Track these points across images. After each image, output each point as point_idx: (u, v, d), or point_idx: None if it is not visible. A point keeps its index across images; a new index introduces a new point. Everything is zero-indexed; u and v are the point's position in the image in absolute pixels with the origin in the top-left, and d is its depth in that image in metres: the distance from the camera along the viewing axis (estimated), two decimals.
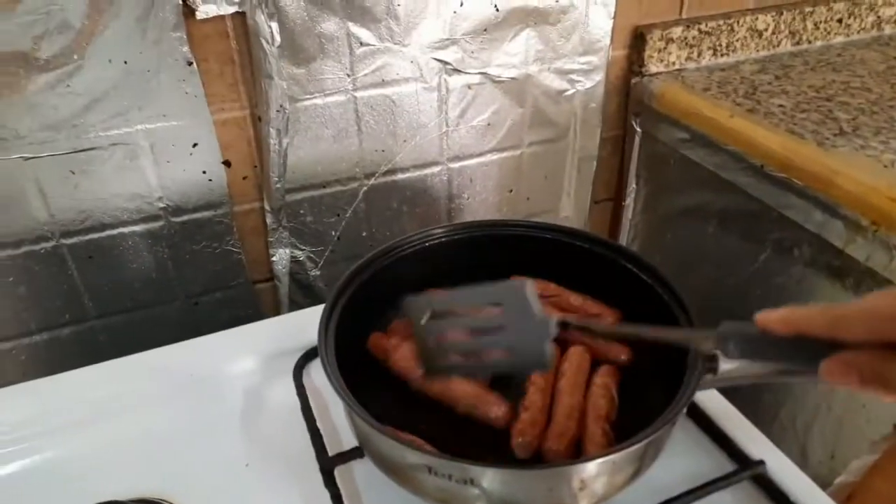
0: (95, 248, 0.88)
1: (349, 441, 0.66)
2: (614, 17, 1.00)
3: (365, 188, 0.99)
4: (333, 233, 1.01)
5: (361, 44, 0.88)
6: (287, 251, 1.00)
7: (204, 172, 0.89)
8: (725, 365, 0.59)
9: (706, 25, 1.07)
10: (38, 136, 0.79)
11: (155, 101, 0.82)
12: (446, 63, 0.94)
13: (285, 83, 0.86)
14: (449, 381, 0.66)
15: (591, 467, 0.54)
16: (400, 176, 1.00)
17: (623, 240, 1.20)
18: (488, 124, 1.02)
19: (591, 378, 0.68)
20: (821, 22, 1.14)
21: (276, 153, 0.90)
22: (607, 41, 1.02)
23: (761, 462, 0.64)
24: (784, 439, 0.90)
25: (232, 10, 0.80)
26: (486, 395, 0.66)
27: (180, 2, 0.77)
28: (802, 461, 0.87)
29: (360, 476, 0.66)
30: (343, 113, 0.92)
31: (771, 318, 0.43)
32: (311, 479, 0.64)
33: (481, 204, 1.09)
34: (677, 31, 1.05)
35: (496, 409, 0.64)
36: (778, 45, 1.14)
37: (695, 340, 0.53)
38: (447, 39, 0.92)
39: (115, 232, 0.88)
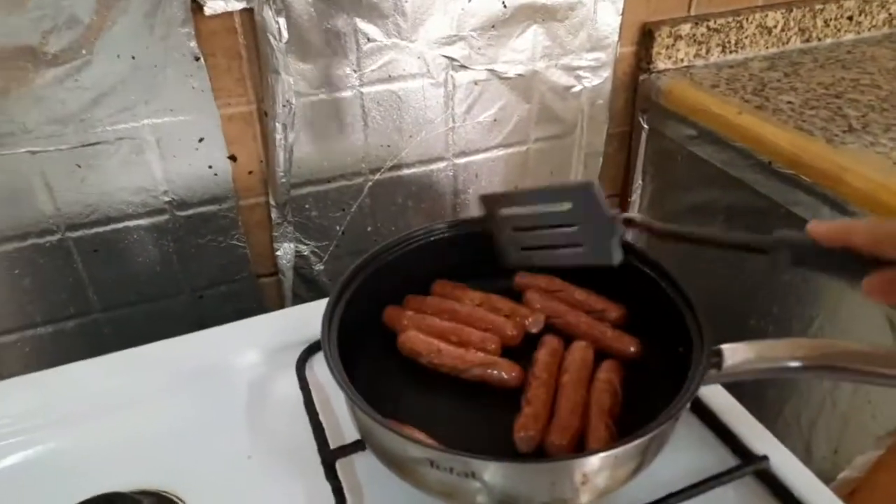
0: (101, 242, 0.88)
1: (351, 434, 0.66)
2: (622, 14, 1.00)
3: (370, 183, 0.99)
4: (338, 228, 1.01)
5: (368, 40, 0.88)
6: (292, 246, 1.00)
7: (210, 167, 0.89)
8: (729, 361, 0.59)
9: (715, 22, 1.06)
10: (46, 130, 0.79)
11: (162, 95, 0.82)
12: (453, 59, 0.94)
13: (292, 78, 0.86)
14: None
15: (593, 461, 0.54)
16: (405, 171, 1.00)
17: (628, 236, 1.19)
18: (494, 120, 1.01)
19: (595, 373, 0.67)
20: (831, 19, 1.14)
21: (282, 148, 0.90)
22: (615, 38, 1.01)
23: (764, 457, 0.64)
24: (788, 435, 0.89)
25: (240, 6, 0.81)
26: (499, 360, 0.68)
27: None
28: (806, 457, 0.86)
29: (362, 469, 0.66)
30: (349, 108, 0.92)
31: (820, 229, 0.45)
32: (313, 471, 0.64)
33: None
34: (686, 28, 1.05)
35: (508, 371, 0.67)
36: (787, 43, 1.13)
37: (753, 244, 0.52)
38: (454, 36, 0.92)
39: (120, 225, 0.88)
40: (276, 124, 0.88)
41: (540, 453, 0.61)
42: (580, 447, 0.61)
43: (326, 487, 0.62)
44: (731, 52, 1.10)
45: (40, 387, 0.78)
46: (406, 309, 0.76)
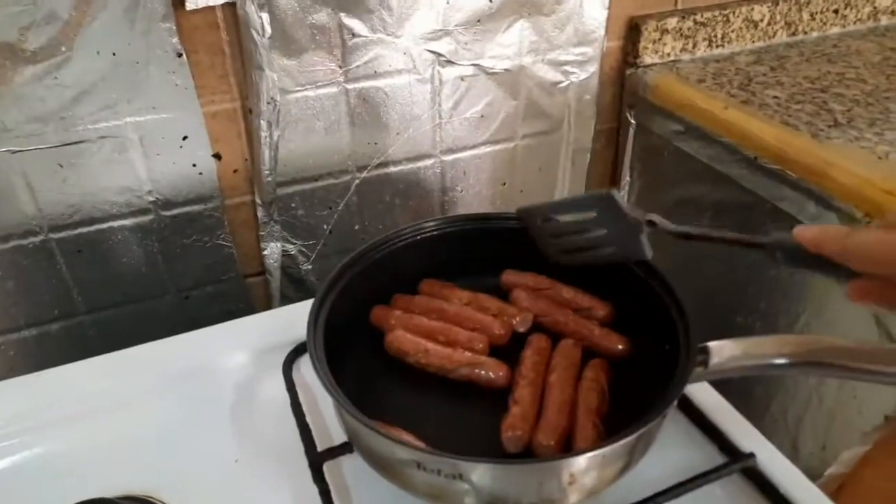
0: (84, 243, 0.87)
1: (339, 436, 0.65)
2: (609, 8, 0.99)
3: (357, 181, 0.99)
4: (325, 226, 1.00)
5: (353, 35, 0.87)
6: (278, 245, 0.99)
7: (194, 165, 0.88)
8: (716, 359, 0.59)
9: (701, 16, 1.06)
10: (26, 129, 0.78)
11: (144, 93, 0.81)
12: (439, 54, 0.93)
13: (276, 75, 0.85)
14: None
15: (580, 461, 0.54)
16: (393, 169, 1.00)
17: None
18: (482, 116, 1.01)
19: (582, 372, 0.67)
20: (817, 13, 1.14)
21: (268, 146, 0.89)
22: (602, 32, 1.01)
23: (751, 455, 0.64)
24: (775, 432, 0.90)
25: (222, 0, 0.79)
26: (486, 359, 0.68)
27: None
28: (794, 453, 0.87)
29: (349, 471, 0.65)
30: (335, 105, 0.91)
31: (803, 234, 0.49)
32: (301, 474, 0.64)
33: (475, 197, 1.08)
34: (672, 22, 1.04)
35: (496, 370, 0.67)
36: (773, 36, 1.13)
37: (755, 242, 0.57)
38: (440, 31, 0.91)
39: (104, 226, 0.87)
40: (261, 122, 0.87)
41: (528, 453, 0.61)
42: (568, 447, 0.61)
43: (314, 490, 0.62)
44: (717, 46, 1.10)
45: (25, 390, 0.77)
46: (393, 308, 0.76)
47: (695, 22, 1.06)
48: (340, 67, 0.89)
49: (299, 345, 0.79)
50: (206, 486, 0.66)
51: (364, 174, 0.98)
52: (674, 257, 1.07)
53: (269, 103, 0.86)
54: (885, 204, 0.73)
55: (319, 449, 0.66)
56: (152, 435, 0.72)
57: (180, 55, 0.80)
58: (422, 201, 1.05)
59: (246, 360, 0.80)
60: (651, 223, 0.65)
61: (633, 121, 1.09)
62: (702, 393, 0.71)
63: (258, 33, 0.81)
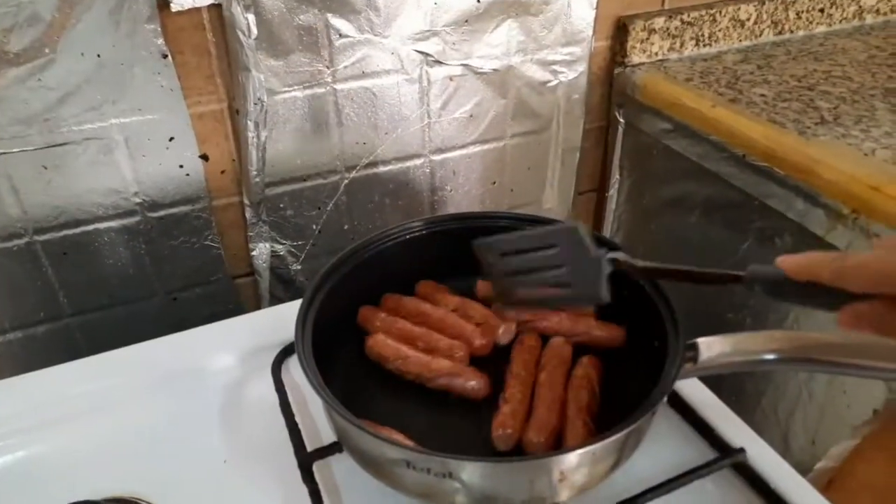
0: (70, 245, 0.86)
1: (328, 436, 0.65)
2: (597, 8, 1.00)
3: (346, 181, 0.98)
4: (314, 226, 1.00)
5: (341, 35, 0.87)
6: (267, 245, 0.98)
7: (181, 167, 0.88)
8: (705, 355, 0.59)
9: (688, 16, 1.06)
10: (9, 131, 0.77)
11: (129, 94, 0.80)
12: (427, 55, 0.93)
13: (263, 76, 0.85)
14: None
15: (571, 458, 0.54)
16: (382, 168, 0.99)
17: (607, 231, 1.20)
18: (470, 116, 1.01)
19: (572, 369, 0.67)
20: (803, 11, 1.14)
21: (255, 147, 0.89)
22: (590, 32, 1.01)
23: (741, 450, 0.64)
24: (766, 427, 0.90)
25: (208, 1, 0.79)
26: (465, 370, 0.67)
27: None
28: (784, 448, 0.87)
29: (339, 471, 0.65)
30: (323, 105, 0.91)
31: (788, 263, 0.47)
32: (290, 474, 0.63)
33: (464, 196, 1.08)
34: (660, 22, 1.05)
35: (474, 381, 0.66)
36: (760, 35, 1.14)
37: (728, 279, 0.55)
38: (428, 31, 0.91)
39: (90, 228, 0.86)
40: (248, 122, 0.87)
41: (518, 451, 0.61)
42: (558, 444, 0.61)
43: (303, 490, 0.62)
44: (704, 45, 1.10)
45: (10, 393, 0.76)
46: (381, 310, 0.75)
47: (682, 21, 1.06)
48: (328, 68, 0.88)
49: (288, 345, 0.78)
50: (195, 487, 0.65)
51: (353, 174, 0.98)
52: (660, 253, 1.08)
53: (256, 104, 0.86)
54: (871, 200, 0.73)
55: (309, 449, 0.65)
56: (140, 437, 0.71)
57: (166, 56, 0.80)
58: (411, 201, 1.04)
59: (234, 360, 0.80)
60: (615, 261, 0.62)
61: (621, 120, 1.09)
62: (692, 389, 0.71)
63: (244, 34, 0.81)
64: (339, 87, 0.90)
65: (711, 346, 0.60)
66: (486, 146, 1.05)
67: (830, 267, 0.44)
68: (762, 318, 0.90)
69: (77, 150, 0.81)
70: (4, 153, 0.78)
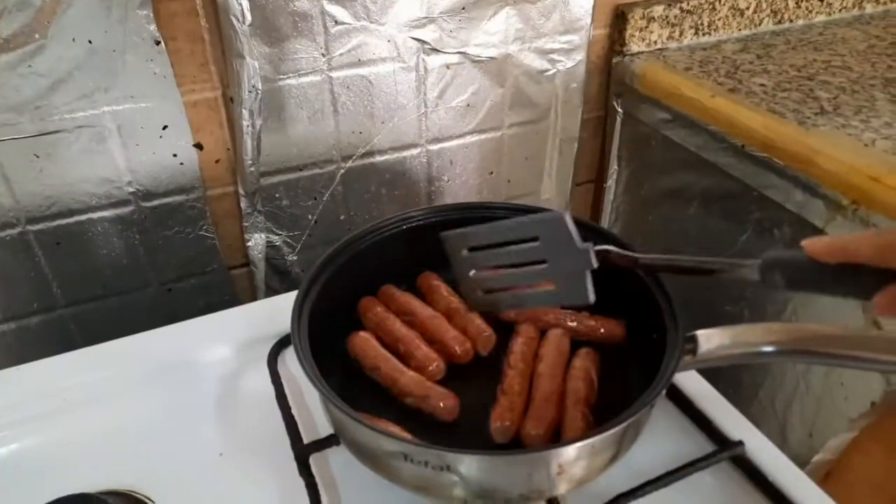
0: (63, 235, 0.85)
1: (325, 428, 0.65)
2: None
3: (342, 171, 0.97)
4: (310, 217, 0.99)
5: (336, 22, 0.86)
6: (263, 236, 0.98)
7: (175, 155, 0.87)
8: (704, 347, 0.59)
9: (688, 4, 1.05)
10: (0, 119, 0.76)
11: (122, 81, 0.79)
12: (424, 42, 0.92)
13: (257, 63, 0.83)
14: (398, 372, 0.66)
15: (569, 451, 0.53)
16: (378, 158, 0.98)
17: (605, 221, 1.19)
18: (468, 105, 1.00)
19: (571, 362, 0.67)
20: (802, 0, 1.14)
21: (250, 135, 0.88)
22: (588, 20, 1.00)
23: (740, 443, 0.64)
24: (764, 419, 0.90)
25: None
26: (433, 389, 0.64)
27: None
28: (782, 440, 0.87)
29: (336, 464, 0.65)
30: (318, 94, 0.90)
31: (817, 245, 0.43)
32: (287, 467, 0.63)
33: (461, 186, 1.07)
34: (659, 10, 1.04)
35: (442, 403, 0.63)
36: (759, 24, 1.13)
37: (738, 270, 0.50)
38: (424, 18, 0.90)
39: (83, 217, 0.85)
40: (243, 111, 0.86)
41: (516, 443, 0.61)
42: (556, 436, 0.60)
43: (300, 483, 0.61)
44: (703, 34, 1.09)
45: (4, 385, 0.76)
46: (377, 302, 0.75)
47: (681, 10, 1.05)
48: (323, 55, 0.87)
49: (284, 337, 0.78)
50: (190, 480, 0.65)
51: (349, 164, 0.97)
52: (658, 243, 1.08)
53: (250, 92, 0.85)
54: (871, 191, 0.73)
55: (305, 441, 0.65)
56: (135, 429, 0.71)
57: (158, 43, 0.79)
58: (408, 191, 1.03)
59: (230, 352, 0.79)
60: (606, 253, 0.56)
61: (620, 109, 1.09)
62: (690, 381, 0.71)
63: (238, 20, 0.80)
64: (334, 74, 0.89)
65: (710, 339, 0.59)
66: (483, 136, 1.04)
67: (873, 243, 0.40)
68: (760, 310, 0.90)
69: (69, 138, 0.80)
70: None
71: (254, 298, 1.02)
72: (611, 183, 1.15)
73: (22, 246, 0.84)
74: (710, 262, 0.54)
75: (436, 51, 0.93)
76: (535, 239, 0.58)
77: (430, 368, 0.67)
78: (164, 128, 0.84)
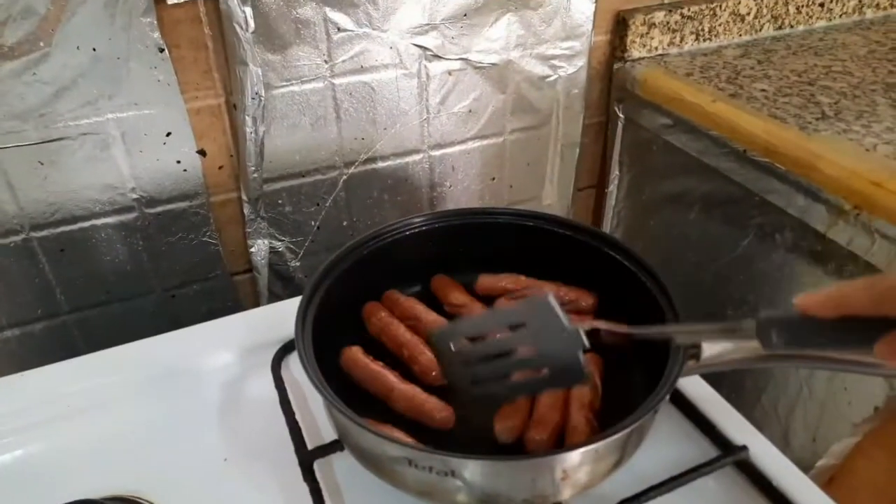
0: (67, 241, 0.86)
1: (329, 434, 0.65)
2: (596, 2, 0.99)
3: (345, 177, 0.98)
4: (313, 223, 0.99)
5: (339, 29, 0.86)
6: (266, 242, 0.98)
7: (178, 162, 0.87)
8: (707, 352, 0.59)
9: (688, 10, 1.06)
10: (4, 126, 0.76)
11: (126, 89, 0.80)
12: (426, 49, 0.92)
13: (260, 70, 0.84)
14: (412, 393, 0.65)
15: (573, 457, 0.54)
16: (380, 164, 0.99)
17: (606, 227, 1.20)
18: (470, 111, 1.00)
19: None
20: (803, 6, 1.14)
21: (253, 142, 0.88)
22: (589, 26, 1.01)
23: (744, 447, 0.64)
24: (766, 424, 0.90)
25: None
26: (428, 400, 0.64)
27: None
28: (785, 445, 0.87)
29: (340, 469, 0.65)
30: (321, 100, 0.90)
31: (812, 302, 0.42)
32: (291, 472, 0.63)
33: (464, 192, 1.07)
34: (659, 16, 1.04)
35: (436, 414, 0.63)
36: (760, 30, 1.13)
37: (733, 334, 0.51)
38: (426, 25, 0.91)
39: (87, 224, 0.86)
40: (246, 117, 0.86)
41: (520, 446, 0.61)
42: (560, 441, 0.60)
43: (304, 489, 0.61)
44: (704, 39, 1.10)
45: (8, 391, 0.76)
46: (381, 307, 0.75)
47: (682, 16, 1.06)
48: (326, 62, 0.88)
49: (287, 342, 0.78)
50: (194, 485, 0.65)
51: (351, 170, 0.97)
52: (660, 248, 1.08)
53: (253, 99, 0.85)
54: (873, 196, 0.73)
55: (310, 447, 0.65)
56: (139, 435, 0.71)
57: (162, 50, 0.79)
58: (410, 197, 1.04)
59: (234, 358, 0.79)
60: (595, 332, 0.57)
61: (621, 115, 1.09)
62: (694, 386, 0.71)
63: (241, 27, 0.80)
64: (337, 81, 0.90)
65: (713, 344, 0.59)
66: (485, 141, 1.04)
67: (864, 293, 0.39)
68: None
69: (73, 145, 0.80)
70: (0, 148, 0.77)
71: (257, 304, 1.02)
72: (612, 188, 1.16)
73: (26, 252, 0.84)
74: (706, 329, 0.55)
75: (438, 57, 0.94)
76: (521, 326, 0.58)
77: (434, 374, 0.67)
78: (168, 135, 0.85)
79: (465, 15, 0.92)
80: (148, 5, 0.76)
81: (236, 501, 0.64)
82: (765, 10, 1.11)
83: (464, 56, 0.95)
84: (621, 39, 1.05)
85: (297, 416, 0.69)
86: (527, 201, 1.13)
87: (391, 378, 0.66)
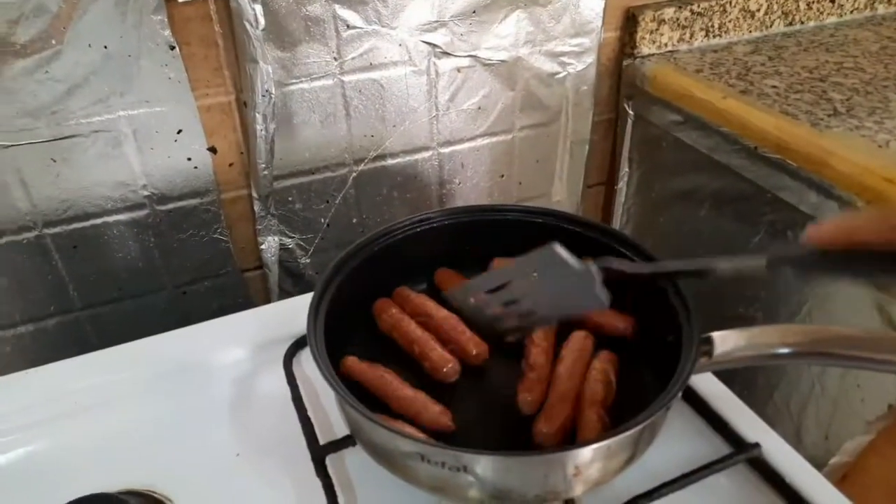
0: (80, 238, 0.86)
1: (341, 429, 0.65)
2: None
3: (354, 174, 0.98)
4: (323, 220, 0.99)
5: (348, 27, 0.86)
6: (276, 239, 0.98)
7: (189, 159, 0.87)
8: (720, 349, 0.59)
9: (698, 6, 1.05)
10: (17, 124, 0.77)
11: (137, 86, 0.80)
12: (435, 46, 0.92)
13: (271, 67, 0.84)
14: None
15: (586, 453, 0.53)
16: (390, 161, 0.99)
17: (616, 224, 1.19)
18: (479, 108, 1.00)
19: (591, 363, 0.67)
20: (813, 2, 1.13)
21: (263, 139, 0.88)
22: (599, 22, 1.00)
23: (757, 445, 0.63)
24: (778, 421, 0.89)
25: None
26: (427, 405, 0.63)
27: None
28: (797, 443, 0.87)
29: (352, 464, 0.65)
30: (331, 97, 0.90)
31: (820, 232, 0.43)
32: (303, 468, 0.63)
33: (473, 189, 1.07)
34: (669, 12, 1.04)
35: (437, 421, 0.62)
36: (771, 26, 1.13)
37: (745, 269, 0.51)
38: (436, 22, 0.90)
39: (99, 221, 0.86)
40: (256, 115, 0.86)
41: (530, 444, 0.61)
42: (569, 437, 0.60)
43: (317, 484, 0.61)
44: (714, 36, 1.09)
45: (22, 387, 0.76)
46: (392, 304, 0.75)
47: (692, 12, 1.05)
48: (335, 59, 0.88)
49: (299, 338, 0.78)
50: (207, 480, 0.65)
51: (361, 167, 0.97)
52: (670, 245, 1.08)
53: (263, 96, 0.85)
54: (885, 192, 0.72)
55: (322, 442, 0.65)
56: (151, 430, 0.71)
57: (173, 48, 0.79)
58: (420, 194, 1.04)
59: (246, 354, 0.79)
60: (606, 269, 0.58)
61: (630, 112, 1.09)
62: (706, 383, 0.71)
63: (251, 25, 0.80)
64: (346, 78, 0.90)
65: (726, 341, 0.59)
66: (494, 139, 1.04)
67: (870, 224, 0.40)
68: (774, 313, 0.89)
69: (85, 142, 0.81)
70: (13, 146, 0.78)
71: (267, 301, 1.03)
72: (622, 185, 1.15)
73: (39, 249, 0.85)
74: (716, 263, 0.54)
75: (447, 54, 0.94)
76: (532, 274, 0.60)
77: (445, 370, 0.67)
78: (179, 132, 0.85)
79: (474, 12, 0.92)
80: (158, 3, 0.76)
81: (249, 496, 0.64)
82: (775, 6, 1.11)
83: (473, 53, 0.95)
84: (631, 36, 1.05)
85: (309, 412, 0.69)
86: (536, 198, 1.13)
87: (393, 382, 0.66)
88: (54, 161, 0.80)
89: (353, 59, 0.89)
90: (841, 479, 0.83)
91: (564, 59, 1.02)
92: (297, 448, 0.65)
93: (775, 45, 1.08)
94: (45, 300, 0.89)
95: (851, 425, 0.80)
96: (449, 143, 1.01)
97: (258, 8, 0.80)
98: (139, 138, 0.83)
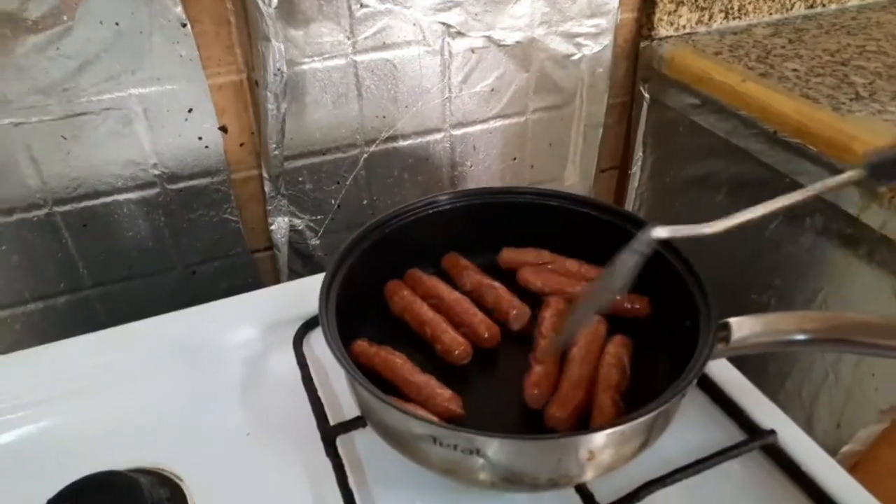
0: (90, 216, 0.86)
1: (351, 410, 0.64)
2: None
3: (366, 155, 0.97)
4: (333, 201, 0.99)
5: (362, 5, 0.85)
6: (286, 220, 0.97)
7: (200, 138, 0.87)
8: (737, 335, 0.58)
9: None
10: (28, 101, 0.76)
11: (148, 64, 0.79)
12: (449, 26, 0.91)
13: (283, 46, 0.83)
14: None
15: (599, 438, 0.53)
16: (401, 143, 0.98)
17: (629, 209, 1.18)
18: (492, 90, 0.99)
19: (605, 348, 0.66)
20: None
21: (274, 119, 0.87)
22: (616, 3, 0.98)
23: (772, 432, 0.63)
24: (790, 409, 0.87)
25: None
26: (436, 390, 0.63)
27: None
28: (808, 430, 0.86)
29: (363, 445, 0.65)
30: (343, 77, 0.89)
31: None
32: (313, 448, 0.63)
33: (485, 172, 1.06)
34: None
35: (447, 406, 0.62)
36: (791, 8, 1.10)
37: (838, 186, 0.51)
38: (450, 1, 0.89)
39: (109, 199, 0.86)
40: (268, 94, 0.85)
41: (543, 427, 0.60)
42: (582, 421, 0.60)
43: (327, 464, 0.61)
44: (734, 18, 1.07)
45: (32, 364, 0.76)
46: (404, 286, 0.74)
47: None
48: (348, 38, 0.87)
49: (310, 319, 0.78)
50: (217, 459, 0.65)
51: (372, 148, 0.96)
52: None
53: (275, 75, 0.84)
54: None
55: (332, 423, 0.65)
56: (161, 409, 0.71)
57: (184, 25, 0.78)
58: (431, 176, 1.03)
59: (256, 334, 0.79)
60: (665, 243, 0.60)
61: (646, 95, 1.07)
62: (721, 370, 0.70)
63: (264, 3, 0.79)
64: (359, 58, 0.89)
65: (743, 327, 0.58)
66: (507, 121, 1.03)
67: None
68: (788, 300, 0.88)
69: (96, 120, 0.80)
70: (24, 123, 0.77)
71: (276, 282, 1.02)
72: (636, 170, 1.14)
73: (49, 227, 0.85)
74: (802, 192, 0.54)
75: (461, 34, 0.92)
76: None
77: (457, 352, 0.67)
78: (190, 111, 0.84)
79: None
80: None
81: (259, 475, 0.64)
82: None
83: (487, 33, 0.94)
84: (648, 17, 1.03)
85: (320, 393, 0.69)
86: (548, 182, 1.12)
87: (406, 367, 0.65)
88: (65, 139, 0.80)
89: (365, 38, 0.87)
90: (852, 468, 0.83)
91: (580, 40, 1.00)
92: (307, 428, 0.65)
93: (796, 28, 1.06)
94: (55, 278, 0.89)
95: (864, 414, 0.80)
96: (461, 124, 1.00)
97: None
98: (150, 116, 0.82)
